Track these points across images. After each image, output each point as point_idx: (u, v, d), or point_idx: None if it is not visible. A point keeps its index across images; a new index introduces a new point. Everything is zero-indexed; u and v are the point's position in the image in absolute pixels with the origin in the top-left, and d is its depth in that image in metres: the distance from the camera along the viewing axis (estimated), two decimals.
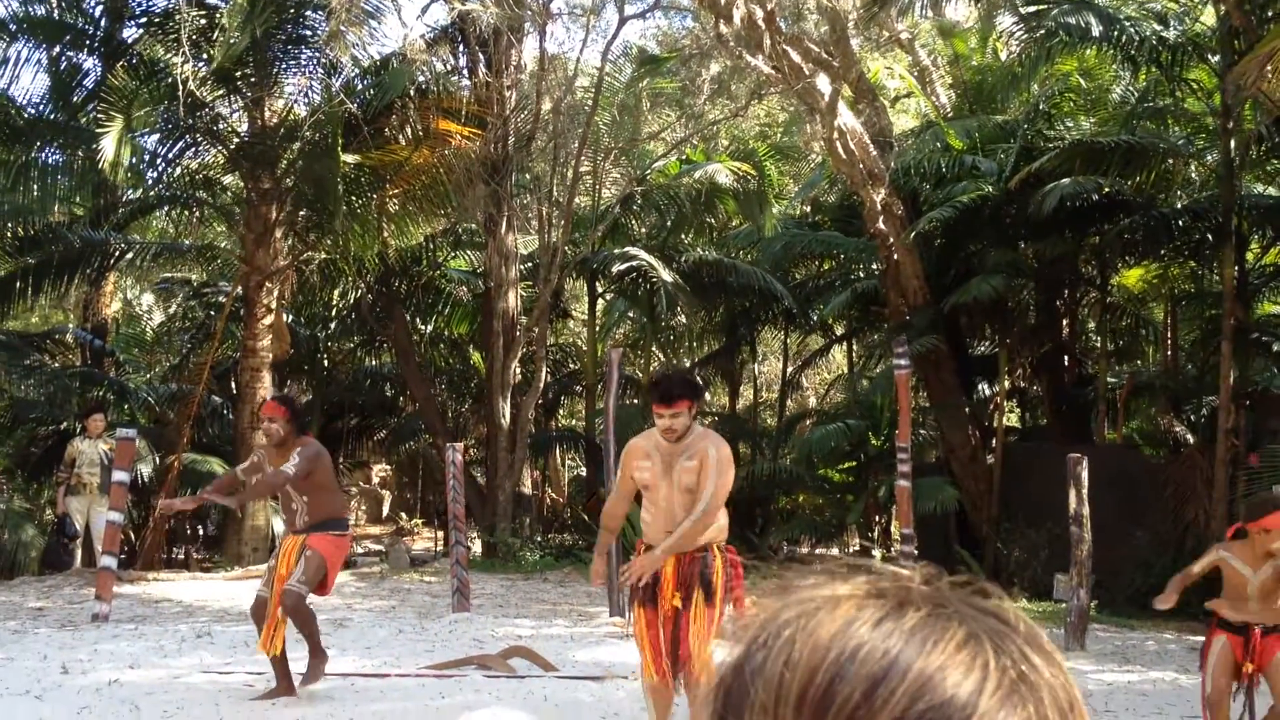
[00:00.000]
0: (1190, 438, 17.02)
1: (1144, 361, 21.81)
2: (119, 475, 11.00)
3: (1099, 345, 19.88)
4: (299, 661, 7.41)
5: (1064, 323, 19.84)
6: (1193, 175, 17.50)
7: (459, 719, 6.82)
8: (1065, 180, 15.54)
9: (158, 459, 16.12)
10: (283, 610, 7.16)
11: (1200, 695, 6.35)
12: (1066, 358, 19.71)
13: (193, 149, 16.29)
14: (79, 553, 13.81)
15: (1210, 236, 16.42)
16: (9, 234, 16.65)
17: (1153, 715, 7.85)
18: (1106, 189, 16.28)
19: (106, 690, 7.44)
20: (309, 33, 16.03)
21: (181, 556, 18.21)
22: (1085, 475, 10.60)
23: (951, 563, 17.01)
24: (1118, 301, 19.57)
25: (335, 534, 7.46)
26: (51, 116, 15.59)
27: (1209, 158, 16.57)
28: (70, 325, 21.03)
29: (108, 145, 13.51)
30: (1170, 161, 16.49)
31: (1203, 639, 10.71)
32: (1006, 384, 19.12)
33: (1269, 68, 11.75)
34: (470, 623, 10.78)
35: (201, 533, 19.61)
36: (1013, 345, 18.79)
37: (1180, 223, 16.63)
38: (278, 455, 7.37)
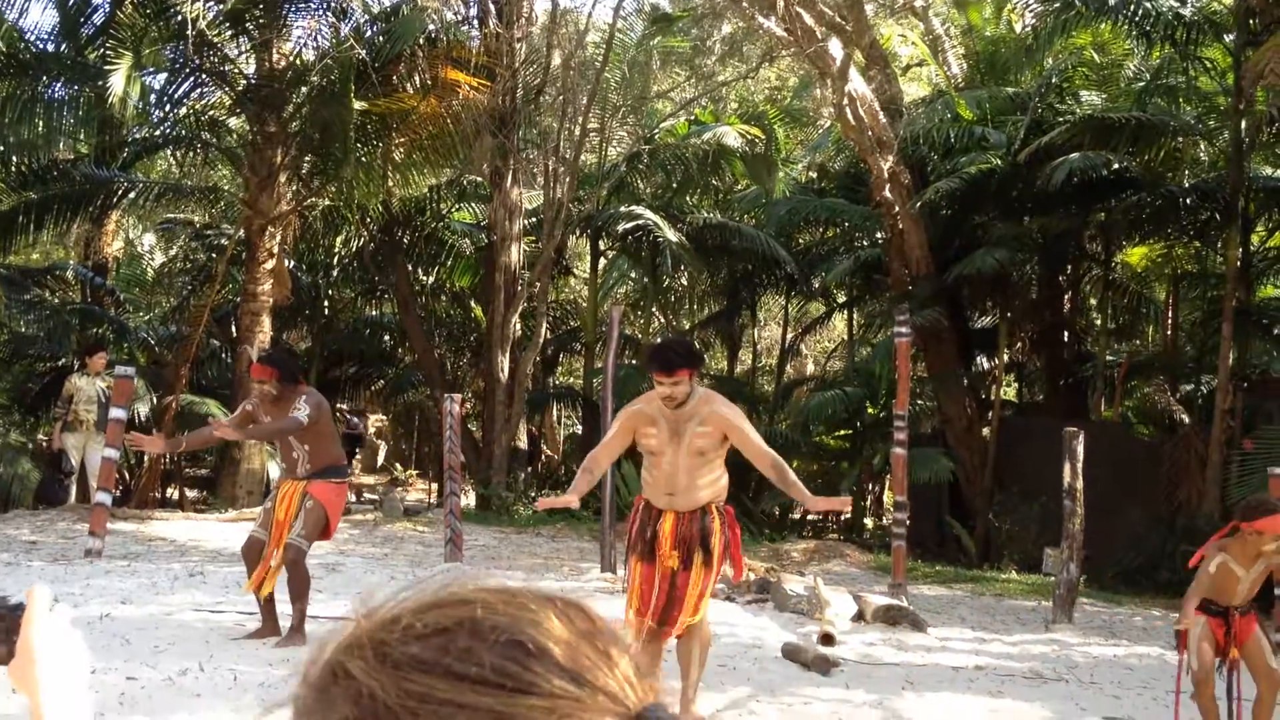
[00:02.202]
0: (1186, 418, 17.05)
1: (1143, 341, 21.82)
2: (116, 412, 10.99)
3: (1099, 323, 19.88)
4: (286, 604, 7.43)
5: (1065, 299, 19.83)
6: (1201, 155, 17.43)
7: None
8: (1074, 155, 15.47)
9: (155, 399, 16.12)
10: (285, 563, 7.19)
11: (1176, 673, 6.40)
12: (1066, 334, 19.71)
13: (199, 90, 16.19)
14: (74, 489, 13.84)
15: (1217, 217, 16.39)
16: (12, 168, 16.57)
17: (1138, 688, 7.90)
18: (1115, 165, 16.23)
19: (98, 624, 7.47)
20: None
21: (176, 497, 18.24)
22: (1080, 449, 10.60)
23: (943, 533, 17.10)
24: (1120, 279, 19.56)
25: (336, 481, 7.48)
26: (59, 51, 15.48)
27: (1219, 138, 16.50)
28: (71, 262, 20.98)
29: (117, 82, 13.42)
30: (1180, 140, 16.43)
31: None
32: (1005, 358, 19.13)
33: None
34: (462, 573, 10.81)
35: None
36: (1013, 319, 18.79)
37: (1187, 202, 16.60)
38: (274, 408, 7.37)
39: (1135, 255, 19.33)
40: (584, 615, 0.86)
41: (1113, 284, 19.11)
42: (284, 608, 7.43)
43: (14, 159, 16.47)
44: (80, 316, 17.38)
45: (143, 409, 15.76)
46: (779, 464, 6.00)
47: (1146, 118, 15.56)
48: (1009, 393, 22.10)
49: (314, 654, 0.86)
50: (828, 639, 8.43)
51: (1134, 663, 8.97)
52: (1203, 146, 17.17)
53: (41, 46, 15.57)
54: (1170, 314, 19.53)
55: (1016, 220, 17.57)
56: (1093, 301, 20.71)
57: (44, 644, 1.37)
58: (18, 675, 1.38)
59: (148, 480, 15.77)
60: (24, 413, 17.48)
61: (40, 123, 14.92)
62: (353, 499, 18.46)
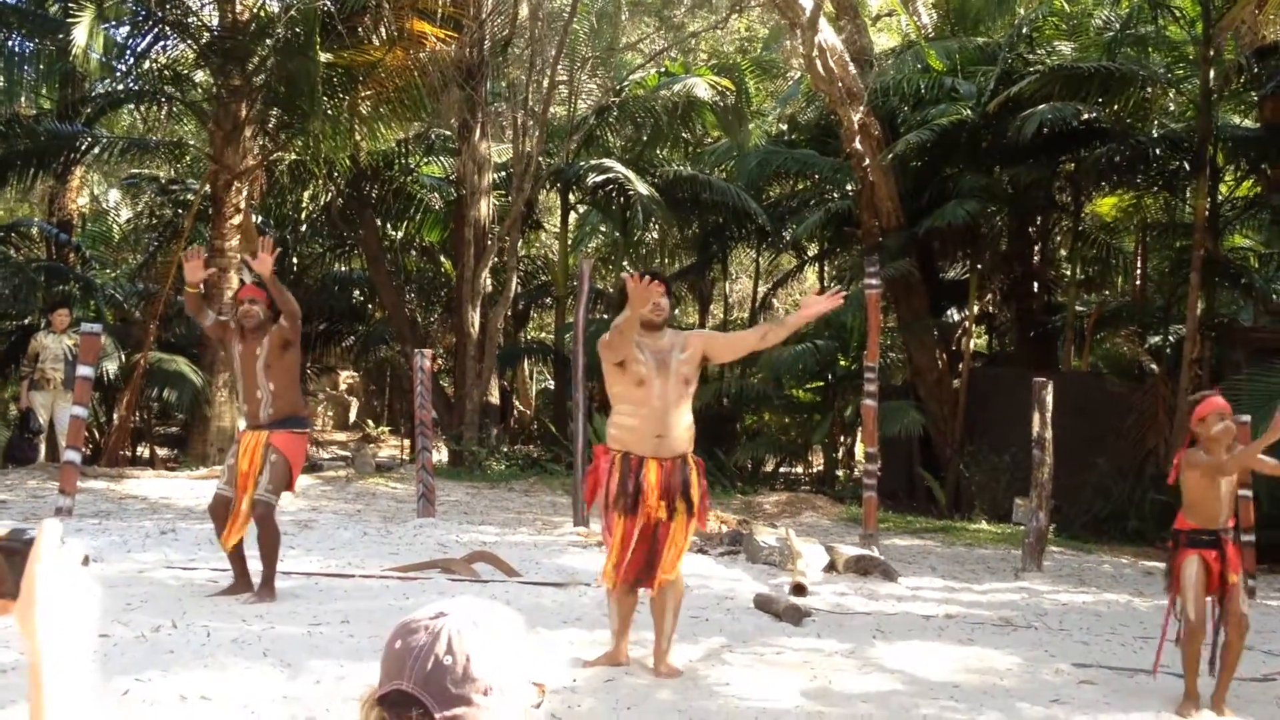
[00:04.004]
0: (1155, 367, 17.16)
1: (1113, 291, 21.92)
2: (83, 370, 10.88)
3: (1069, 273, 19.95)
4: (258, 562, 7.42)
5: (1035, 250, 19.88)
6: (1170, 105, 17.45)
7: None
8: (1044, 106, 15.46)
9: (123, 356, 16.00)
10: (255, 519, 7.17)
11: (1164, 617, 6.36)
12: (1036, 285, 19.77)
13: (163, 43, 15.96)
14: (43, 448, 13.75)
15: (1185, 166, 16.43)
16: None
17: (1106, 634, 7.98)
18: (1084, 116, 16.23)
19: None
20: None
21: (146, 455, 18.15)
22: (1050, 399, 10.67)
23: (914, 484, 17.21)
24: (1089, 230, 19.62)
25: (297, 431, 7.45)
26: (18, 3, 15.22)
27: (1188, 86, 16.52)
28: (36, 219, 20.72)
29: (79, 34, 13.21)
30: (1149, 90, 16.43)
31: (1159, 564, 10.88)
32: (976, 309, 19.20)
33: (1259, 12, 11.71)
34: (435, 528, 10.82)
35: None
36: (984, 270, 18.84)
37: (1156, 152, 16.63)
38: (252, 340, 7.32)
39: (1105, 206, 19.38)
40: None
41: (1082, 234, 19.17)
42: (255, 564, 7.42)
43: None
44: (46, 274, 17.18)
45: (111, 366, 15.63)
46: (761, 329, 6.09)
47: (1116, 67, 15.54)
48: (979, 344, 22.20)
49: None
50: (799, 589, 8.49)
51: (1102, 609, 9.07)
52: (1171, 96, 17.19)
53: None
54: (1139, 264, 19.61)
55: (986, 171, 17.57)
56: (1062, 252, 20.78)
57: (48, 584, 1.31)
58: (22, 616, 1.31)
59: (118, 438, 15.67)
60: None
61: (1, 77, 14.69)
62: (326, 457, 18.43)
